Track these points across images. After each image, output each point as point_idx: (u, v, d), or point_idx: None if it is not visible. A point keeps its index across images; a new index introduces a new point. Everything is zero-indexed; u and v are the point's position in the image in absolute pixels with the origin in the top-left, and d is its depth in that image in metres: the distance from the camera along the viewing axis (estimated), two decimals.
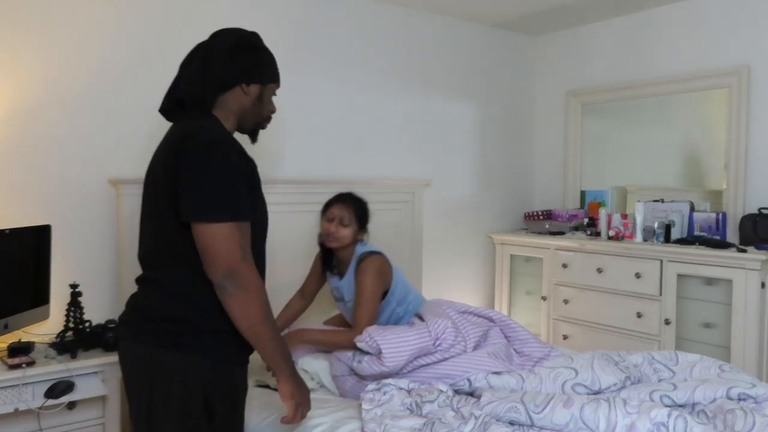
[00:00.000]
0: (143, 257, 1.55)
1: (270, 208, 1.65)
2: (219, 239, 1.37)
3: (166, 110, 1.60)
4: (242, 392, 1.57)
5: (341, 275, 2.49)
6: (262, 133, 1.71)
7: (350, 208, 2.42)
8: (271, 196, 3.03)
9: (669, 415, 1.71)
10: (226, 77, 1.53)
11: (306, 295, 2.63)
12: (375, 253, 2.42)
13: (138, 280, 1.56)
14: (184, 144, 1.42)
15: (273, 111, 1.66)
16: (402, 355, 2.15)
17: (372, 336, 2.16)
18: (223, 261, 1.37)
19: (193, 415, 1.43)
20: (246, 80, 1.55)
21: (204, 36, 1.63)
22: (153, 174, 1.51)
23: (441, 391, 2.07)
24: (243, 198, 1.43)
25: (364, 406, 1.99)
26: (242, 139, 1.63)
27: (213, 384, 1.45)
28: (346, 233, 2.39)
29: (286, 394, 1.48)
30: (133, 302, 1.55)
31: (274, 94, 1.66)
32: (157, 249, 1.49)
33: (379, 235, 3.03)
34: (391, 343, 2.15)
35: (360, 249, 2.44)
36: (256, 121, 1.63)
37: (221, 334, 1.44)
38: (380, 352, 2.14)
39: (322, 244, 2.49)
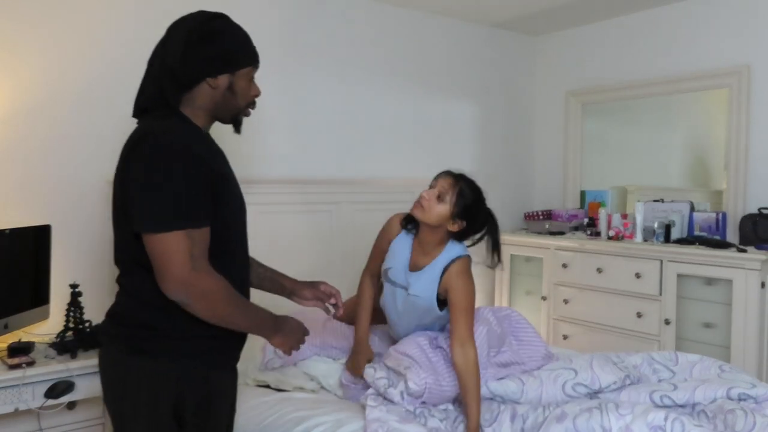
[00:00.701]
0: (115, 263, 1.50)
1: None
2: (166, 250, 1.28)
3: (138, 116, 1.51)
4: (221, 398, 1.49)
5: (416, 263, 2.20)
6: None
7: (456, 188, 2.11)
8: (269, 195, 3.05)
9: (666, 418, 1.70)
10: (186, 76, 1.41)
11: (376, 275, 2.34)
12: (467, 255, 2.20)
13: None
14: (134, 149, 1.35)
15: (256, 95, 1.53)
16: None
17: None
18: (171, 274, 1.29)
19: (161, 422, 1.38)
20: (211, 73, 1.42)
21: None
22: (115, 179, 1.44)
23: (444, 410, 2.09)
24: (193, 204, 1.31)
25: (369, 403, 2.00)
26: (227, 130, 1.58)
27: (182, 390, 1.39)
28: (437, 209, 2.07)
29: (278, 345, 1.55)
30: (109, 308, 1.51)
31: (252, 77, 1.51)
32: (123, 255, 1.44)
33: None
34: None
35: (453, 249, 2.17)
36: (233, 112, 1.51)
37: (190, 339, 1.40)
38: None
39: (408, 215, 2.23)
